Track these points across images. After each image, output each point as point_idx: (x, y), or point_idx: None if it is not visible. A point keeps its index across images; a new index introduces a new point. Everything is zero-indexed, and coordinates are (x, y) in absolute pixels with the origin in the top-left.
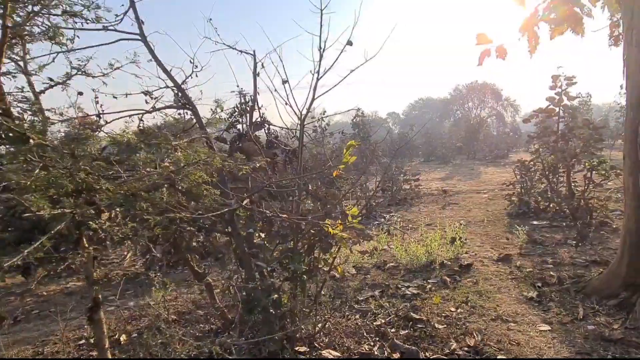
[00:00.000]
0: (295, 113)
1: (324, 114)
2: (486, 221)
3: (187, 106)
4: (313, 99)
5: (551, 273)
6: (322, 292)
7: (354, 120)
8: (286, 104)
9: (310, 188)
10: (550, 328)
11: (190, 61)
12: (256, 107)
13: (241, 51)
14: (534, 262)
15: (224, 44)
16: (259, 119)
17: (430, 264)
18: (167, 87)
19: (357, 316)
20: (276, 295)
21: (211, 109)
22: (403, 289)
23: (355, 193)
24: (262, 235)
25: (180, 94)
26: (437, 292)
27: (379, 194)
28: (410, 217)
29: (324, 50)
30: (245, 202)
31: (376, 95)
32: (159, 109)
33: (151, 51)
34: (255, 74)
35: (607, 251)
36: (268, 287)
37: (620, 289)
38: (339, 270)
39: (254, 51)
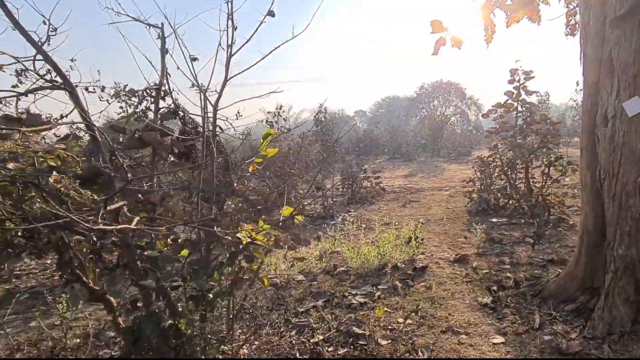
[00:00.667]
0: (203, 94)
1: (279, 109)
2: (445, 219)
3: (58, 85)
4: (225, 80)
5: (508, 275)
6: (259, 304)
7: (317, 116)
8: (193, 86)
9: (236, 186)
10: (504, 340)
11: (44, 22)
12: (168, 92)
13: (149, 25)
14: (491, 262)
15: (127, 15)
16: (171, 106)
17: (382, 267)
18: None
19: (294, 332)
20: (170, 322)
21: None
22: (350, 297)
23: (312, 191)
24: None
25: (54, 71)
26: (387, 300)
27: (339, 192)
28: (368, 216)
29: (231, 13)
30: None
31: (345, 94)
32: (28, 92)
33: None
34: (164, 52)
35: (564, 249)
36: (167, 308)
37: (577, 292)
38: (265, 282)
39: (162, 24)
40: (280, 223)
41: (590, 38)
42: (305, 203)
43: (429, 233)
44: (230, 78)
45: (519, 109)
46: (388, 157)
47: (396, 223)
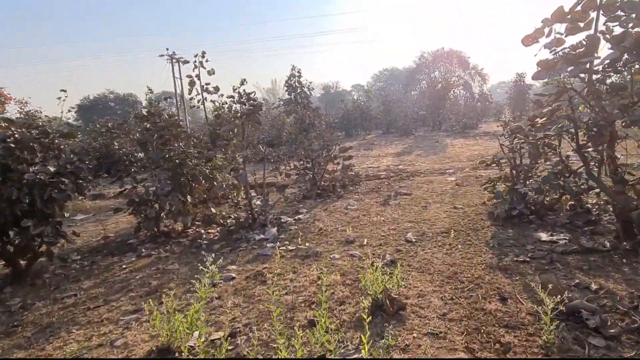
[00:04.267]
0: None
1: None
2: (454, 234)
3: None
4: None
5: None
6: None
7: (289, 82)
8: None
9: None
10: None
11: None
12: None
13: None
14: None
15: None
16: None
17: None
18: None
19: None
20: None
21: None
22: None
23: (228, 180)
24: None
25: None
26: None
27: (293, 179)
28: (324, 224)
29: None
30: None
31: (345, 68)
32: None
33: None
34: None
35: None
36: None
37: None
38: None
39: None
40: None
41: None
42: (236, 203)
43: (421, 274)
44: None
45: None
46: (381, 132)
47: (365, 242)
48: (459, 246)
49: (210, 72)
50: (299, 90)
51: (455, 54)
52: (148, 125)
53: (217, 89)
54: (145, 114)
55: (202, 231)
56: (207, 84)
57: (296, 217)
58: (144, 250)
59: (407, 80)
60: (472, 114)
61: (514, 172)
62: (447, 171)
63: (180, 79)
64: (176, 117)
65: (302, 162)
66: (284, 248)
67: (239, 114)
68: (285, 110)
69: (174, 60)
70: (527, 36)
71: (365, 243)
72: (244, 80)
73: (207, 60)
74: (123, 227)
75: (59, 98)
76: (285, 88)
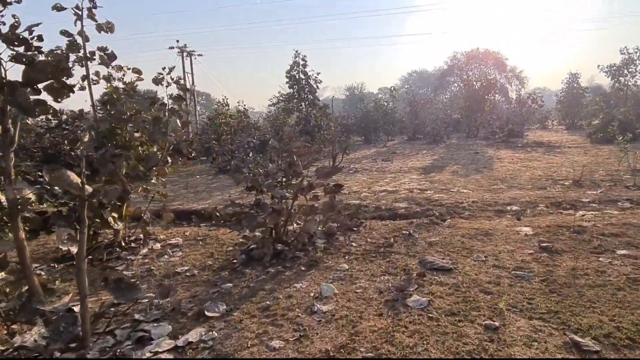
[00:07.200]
0: None
1: None
2: None
3: None
4: None
5: None
6: None
7: (291, 72)
8: None
9: None
10: None
11: None
12: None
13: None
14: None
15: None
16: None
17: None
18: None
19: None
20: None
21: None
22: None
23: None
24: None
25: None
26: None
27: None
28: None
29: None
30: None
31: (374, 70)
32: None
33: None
34: None
35: None
36: None
37: None
38: None
39: None
40: None
41: None
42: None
43: None
44: None
45: None
46: (407, 138)
47: None
48: None
49: (104, 27)
50: (303, 83)
51: (491, 55)
52: None
53: (111, 57)
54: None
55: None
56: (105, 48)
57: (185, 339)
58: None
59: (438, 83)
60: (517, 119)
61: None
62: (509, 207)
63: (192, 74)
64: None
65: (256, 193)
66: None
67: None
68: (284, 107)
69: (184, 54)
70: None
71: None
72: None
73: (95, 6)
74: None
75: None
76: (287, 80)
